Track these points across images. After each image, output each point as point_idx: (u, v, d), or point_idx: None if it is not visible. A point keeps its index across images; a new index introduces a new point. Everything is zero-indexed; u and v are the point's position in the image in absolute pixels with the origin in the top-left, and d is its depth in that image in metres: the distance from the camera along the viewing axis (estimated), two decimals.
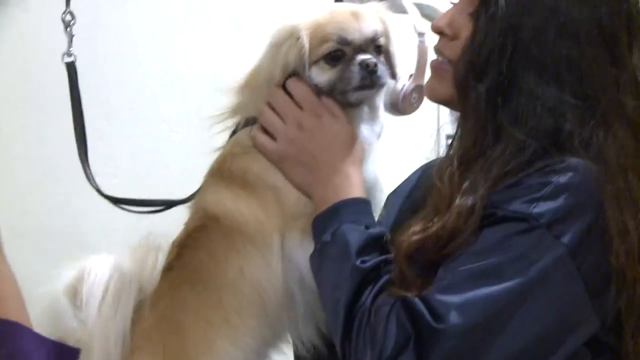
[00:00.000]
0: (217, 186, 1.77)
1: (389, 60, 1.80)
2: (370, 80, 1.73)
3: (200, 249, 1.75)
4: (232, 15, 3.04)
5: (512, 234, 1.49)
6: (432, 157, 1.84)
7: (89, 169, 2.05)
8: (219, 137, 1.82)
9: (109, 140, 2.74)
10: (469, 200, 1.53)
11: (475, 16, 1.62)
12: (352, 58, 1.72)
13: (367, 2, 1.84)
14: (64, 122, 2.11)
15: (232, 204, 1.73)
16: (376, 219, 1.77)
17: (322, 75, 1.73)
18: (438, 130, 1.92)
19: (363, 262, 1.58)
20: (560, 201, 1.49)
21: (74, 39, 2.10)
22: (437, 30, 1.72)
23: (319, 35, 1.72)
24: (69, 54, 2.09)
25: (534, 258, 1.48)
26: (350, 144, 1.74)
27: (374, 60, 1.73)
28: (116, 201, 2.04)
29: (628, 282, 1.52)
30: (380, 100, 1.82)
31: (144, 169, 2.88)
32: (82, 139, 2.06)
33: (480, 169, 1.55)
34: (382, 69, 1.74)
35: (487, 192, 1.53)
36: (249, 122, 1.79)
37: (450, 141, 1.76)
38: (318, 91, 1.74)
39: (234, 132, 1.81)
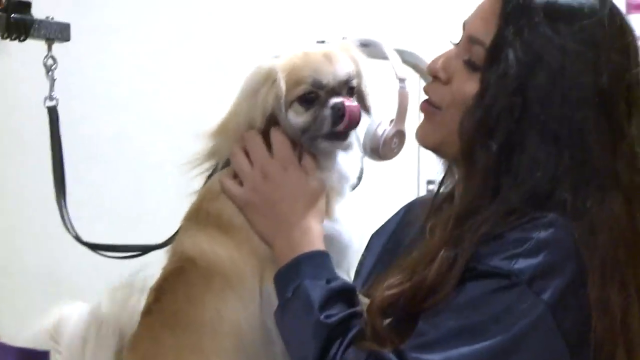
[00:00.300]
0: (194, 229, 1.76)
1: (362, 101, 1.79)
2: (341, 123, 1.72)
3: (177, 292, 1.74)
4: (216, 59, 3.06)
5: (493, 290, 1.49)
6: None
7: (67, 214, 2.03)
8: (201, 180, 1.82)
9: (90, 185, 2.74)
10: (452, 253, 1.53)
11: (482, 72, 1.60)
12: (326, 101, 1.72)
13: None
14: (45, 165, 2.10)
15: (208, 245, 1.73)
16: (354, 268, 1.77)
17: (296, 117, 1.73)
18: (418, 173, 1.93)
19: (327, 317, 1.56)
20: (540, 257, 1.50)
21: (55, 82, 2.10)
22: (432, 72, 1.71)
23: (294, 78, 1.72)
24: (51, 98, 2.09)
25: (516, 315, 1.48)
26: (314, 199, 1.71)
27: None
28: (93, 247, 2.03)
29: (605, 354, 1.51)
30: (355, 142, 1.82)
31: (126, 213, 2.88)
32: (61, 184, 2.05)
33: (469, 227, 1.55)
34: None
35: (473, 247, 1.53)
36: (227, 165, 1.78)
37: (434, 188, 1.77)
38: (294, 134, 1.73)
39: (210, 175, 1.80)
